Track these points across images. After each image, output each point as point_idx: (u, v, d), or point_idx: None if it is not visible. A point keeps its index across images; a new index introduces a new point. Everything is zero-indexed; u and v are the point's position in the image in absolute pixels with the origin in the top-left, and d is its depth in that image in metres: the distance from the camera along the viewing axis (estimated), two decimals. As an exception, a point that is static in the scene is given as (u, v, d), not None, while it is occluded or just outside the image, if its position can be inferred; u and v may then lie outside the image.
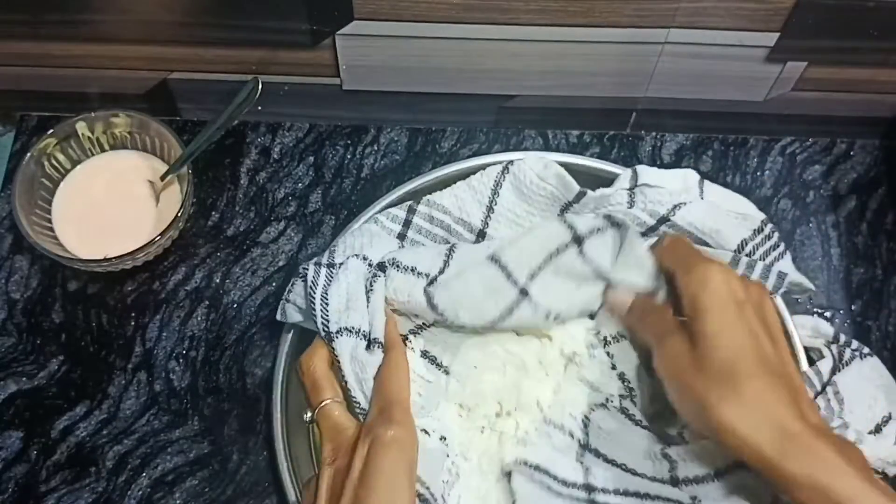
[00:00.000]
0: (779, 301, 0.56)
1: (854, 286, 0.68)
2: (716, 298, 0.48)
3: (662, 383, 0.51)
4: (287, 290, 0.57)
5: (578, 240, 0.53)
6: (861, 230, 0.70)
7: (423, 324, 0.57)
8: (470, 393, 0.56)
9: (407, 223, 0.62)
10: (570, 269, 0.53)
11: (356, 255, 0.57)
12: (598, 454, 0.54)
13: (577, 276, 0.54)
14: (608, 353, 0.56)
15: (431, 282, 0.54)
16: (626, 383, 0.56)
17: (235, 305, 0.66)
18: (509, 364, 0.56)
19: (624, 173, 0.61)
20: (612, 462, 0.53)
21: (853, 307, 0.68)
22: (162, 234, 0.62)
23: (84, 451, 0.62)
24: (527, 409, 0.56)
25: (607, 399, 0.56)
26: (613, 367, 0.56)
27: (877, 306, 0.68)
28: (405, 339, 0.57)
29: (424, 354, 0.57)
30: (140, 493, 0.61)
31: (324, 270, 0.56)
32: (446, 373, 0.56)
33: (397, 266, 0.55)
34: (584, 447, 0.55)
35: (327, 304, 0.53)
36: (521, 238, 0.55)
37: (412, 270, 0.55)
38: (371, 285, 0.54)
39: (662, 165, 0.70)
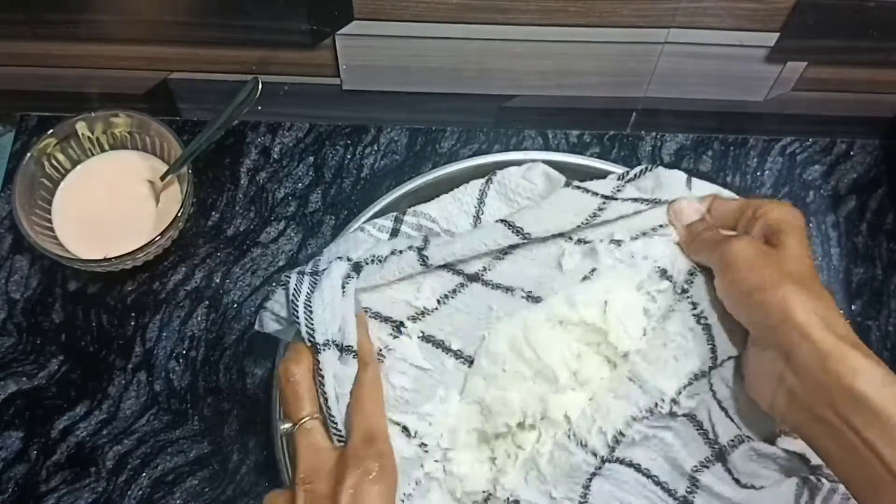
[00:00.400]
0: None
1: (854, 286, 0.68)
2: (796, 223, 0.49)
3: (727, 289, 0.50)
4: (265, 297, 0.55)
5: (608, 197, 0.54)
6: (861, 230, 0.70)
7: (426, 308, 0.54)
8: (493, 399, 0.53)
9: (394, 232, 0.59)
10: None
11: (339, 257, 0.54)
12: (621, 461, 0.52)
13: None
14: (687, 296, 0.53)
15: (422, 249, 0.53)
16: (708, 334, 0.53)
17: (235, 305, 0.66)
18: (540, 377, 0.53)
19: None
20: (636, 467, 0.52)
21: (853, 307, 0.68)
22: (162, 234, 0.62)
23: (84, 451, 0.62)
24: (552, 423, 0.53)
25: (656, 403, 0.52)
26: (695, 313, 0.53)
27: (877, 306, 0.68)
28: (399, 326, 0.54)
29: (427, 339, 0.53)
30: (140, 492, 0.61)
31: (307, 278, 0.53)
32: (460, 359, 0.53)
33: (376, 260, 0.53)
34: (605, 461, 0.52)
35: (311, 313, 0.51)
36: (535, 209, 0.54)
37: (393, 253, 0.53)
38: (344, 286, 0.52)
39: (663, 165, 0.69)
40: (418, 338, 0.54)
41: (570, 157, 0.65)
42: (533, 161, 0.60)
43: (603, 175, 0.62)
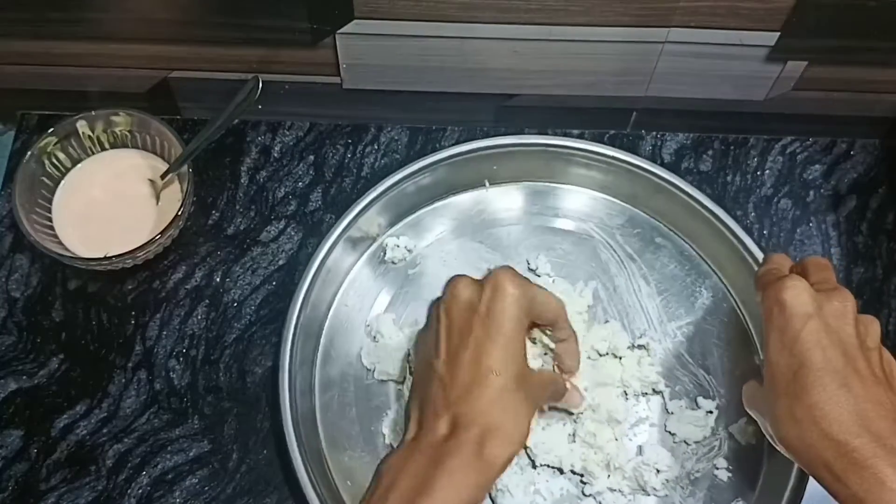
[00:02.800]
0: None
1: (854, 286, 0.68)
2: (781, 316, 0.48)
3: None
4: None
5: None
6: (861, 230, 0.70)
7: None
8: None
9: None
10: None
11: None
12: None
13: None
14: None
15: None
16: None
17: (236, 304, 0.66)
18: None
19: None
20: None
21: (853, 307, 0.68)
22: (162, 232, 0.62)
23: (84, 450, 0.62)
24: None
25: None
26: None
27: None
28: None
29: None
30: (140, 491, 0.61)
31: None
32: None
33: None
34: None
35: None
36: None
37: None
38: None
39: (663, 165, 0.70)
40: None
41: (568, 142, 0.67)
42: (531, 143, 0.67)
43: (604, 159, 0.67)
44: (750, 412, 0.55)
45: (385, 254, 0.67)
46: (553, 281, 0.65)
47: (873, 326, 0.50)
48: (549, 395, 0.56)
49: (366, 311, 0.66)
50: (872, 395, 0.45)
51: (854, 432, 0.44)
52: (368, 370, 0.63)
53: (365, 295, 0.66)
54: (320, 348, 0.64)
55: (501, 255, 0.67)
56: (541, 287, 0.53)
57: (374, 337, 0.64)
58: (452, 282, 0.52)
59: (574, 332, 0.58)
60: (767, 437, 0.51)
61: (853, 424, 0.44)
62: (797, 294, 0.48)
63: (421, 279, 0.67)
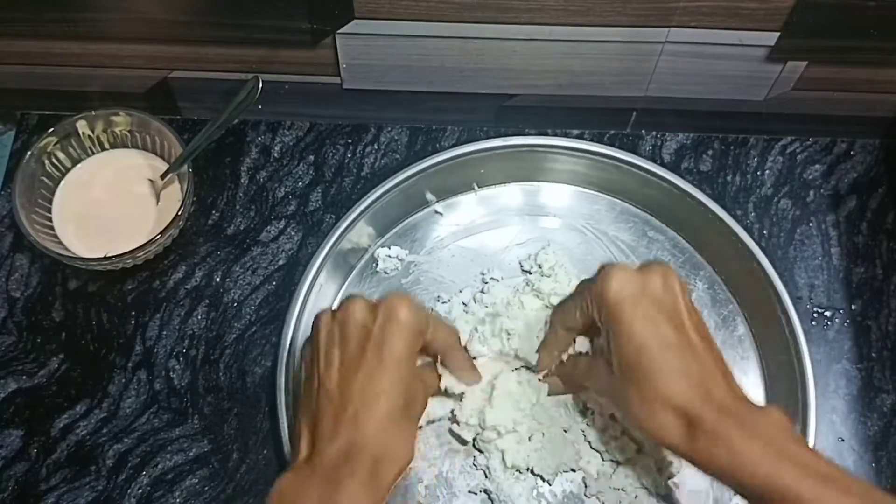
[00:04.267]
0: None
1: (854, 286, 0.68)
2: (610, 306, 0.50)
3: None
4: None
5: None
6: (861, 230, 0.70)
7: None
8: None
9: None
10: None
11: None
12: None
13: None
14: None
15: None
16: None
17: (235, 304, 0.66)
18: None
19: None
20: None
21: (853, 307, 0.68)
22: (162, 232, 0.62)
23: (84, 450, 0.62)
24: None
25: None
26: None
27: (877, 306, 0.68)
28: None
29: None
30: (140, 491, 0.61)
31: None
32: None
33: None
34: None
35: None
36: None
37: None
38: None
39: (663, 164, 0.70)
40: None
41: (552, 140, 0.68)
42: (516, 145, 0.67)
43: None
44: (601, 397, 0.58)
45: (377, 265, 0.67)
46: (547, 279, 0.65)
47: (685, 286, 0.52)
48: (429, 395, 0.58)
49: None
50: (706, 364, 0.48)
51: (698, 404, 0.46)
52: None
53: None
54: None
55: (494, 257, 0.68)
56: (436, 315, 0.55)
57: None
58: (348, 302, 0.52)
59: (466, 356, 0.59)
60: (621, 420, 0.56)
61: (696, 398, 0.46)
62: (621, 279, 0.50)
63: (415, 287, 0.67)
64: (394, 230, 0.69)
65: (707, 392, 0.47)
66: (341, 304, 0.52)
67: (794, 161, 0.73)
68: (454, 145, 0.72)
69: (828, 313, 0.67)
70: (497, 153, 0.68)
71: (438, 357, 0.57)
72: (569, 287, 0.65)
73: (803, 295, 0.68)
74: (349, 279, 0.67)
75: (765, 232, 0.70)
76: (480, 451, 0.61)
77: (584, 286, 0.53)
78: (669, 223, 0.69)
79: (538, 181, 0.70)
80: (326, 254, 0.64)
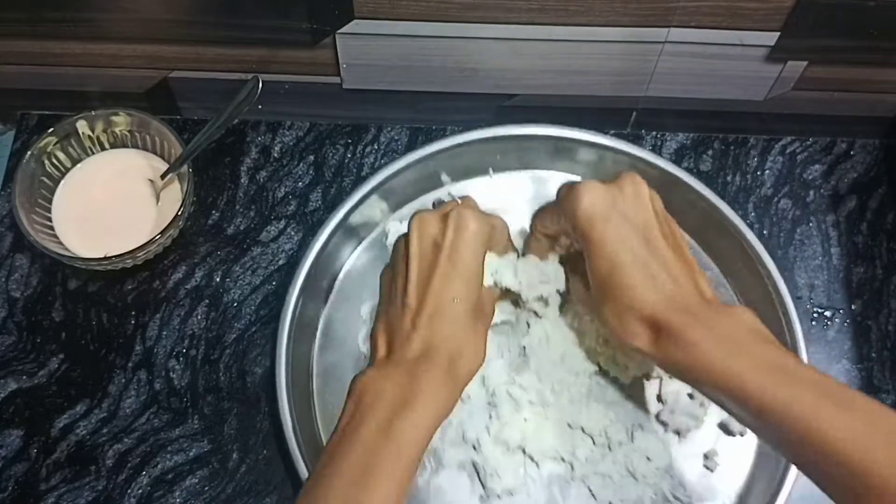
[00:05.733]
0: None
1: (854, 285, 0.68)
2: (581, 223, 0.52)
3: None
4: None
5: None
6: (861, 230, 0.70)
7: None
8: None
9: None
10: None
11: None
12: None
13: None
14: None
15: None
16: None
17: (235, 304, 0.66)
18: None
19: None
20: None
21: (853, 307, 0.68)
22: (162, 232, 0.62)
23: (84, 450, 0.62)
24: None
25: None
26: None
27: (877, 306, 0.68)
28: None
29: None
30: (140, 491, 0.61)
31: None
32: None
33: None
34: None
35: None
36: None
37: None
38: None
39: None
40: None
41: (588, 135, 0.67)
42: (534, 134, 0.67)
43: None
44: (586, 313, 0.61)
45: (387, 238, 0.68)
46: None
47: (656, 197, 0.54)
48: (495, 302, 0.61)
49: (366, 295, 0.66)
50: (674, 272, 0.50)
51: (663, 311, 0.49)
52: (366, 356, 0.64)
53: (365, 280, 0.67)
54: (318, 332, 0.65)
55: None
56: (495, 216, 0.58)
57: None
58: (417, 217, 0.55)
59: (514, 246, 0.62)
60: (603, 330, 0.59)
61: (661, 305, 0.49)
62: (591, 196, 0.52)
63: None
64: (407, 206, 0.69)
65: (672, 298, 0.49)
66: (409, 222, 0.56)
67: (794, 161, 0.73)
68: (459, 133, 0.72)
69: (828, 313, 0.67)
70: (514, 141, 0.68)
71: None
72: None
73: (803, 295, 0.68)
74: (357, 250, 0.68)
75: (765, 232, 0.70)
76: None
77: (561, 198, 0.55)
78: (679, 222, 0.69)
79: (552, 171, 0.71)
80: (340, 220, 0.65)
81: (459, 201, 0.61)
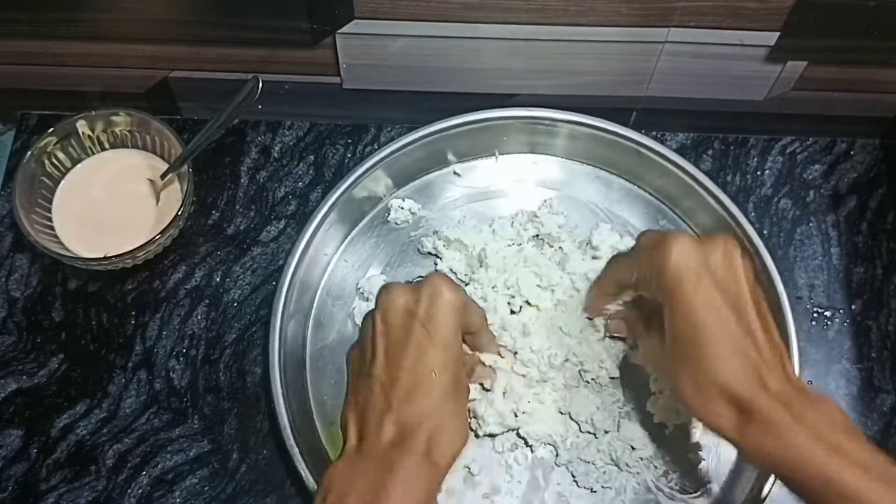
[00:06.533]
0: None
1: (854, 285, 0.68)
2: (669, 277, 0.48)
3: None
4: None
5: None
6: (861, 230, 0.70)
7: None
8: None
9: None
10: None
11: None
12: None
13: None
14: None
15: None
16: None
17: (235, 304, 0.66)
18: None
19: None
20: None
21: (853, 307, 0.68)
22: (162, 232, 0.62)
23: (84, 450, 0.62)
24: None
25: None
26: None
27: (877, 306, 0.68)
28: None
29: None
30: (140, 491, 0.61)
31: None
32: None
33: None
34: None
35: None
36: None
37: None
38: None
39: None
40: None
41: (597, 121, 0.67)
42: (542, 118, 0.67)
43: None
44: (650, 368, 0.58)
45: (389, 214, 0.68)
46: (557, 246, 0.66)
47: (748, 264, 0.50)
48: (470, 378, 0.59)
49: (362, 271, 0.67)
50: (764, 351, 0.47)
51: (751, 393, 0.45)
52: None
53: (363, 255, 0.67)
54: (314, 307, 0.66)
55: (505, 222, 0.67)
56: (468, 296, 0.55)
57: (367, 298, 0.65)
58: (386, 290, 0.51)
59: (493, 335, 0.60)
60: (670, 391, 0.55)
61: (750, 387, 0.45)
62: (683, 250, 0.48)
63: (421, 243, 0.67)
64: (410, 184, 0.69)
65: (762, 380, 0.45)
66: (378, 295, 0.52)
67: (794, 161, 0.73)
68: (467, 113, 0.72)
69: (828, 313, 0.67)
70: (522, 123, 0.68)
71: (466, 338, 0.58)
72: (576, 252, 0.66)
73: (803, 295, 0.68)
74: (359, 226, 0.68)
75: (765, 232, 0.70)
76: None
77: (644, 246, 0.51)
78: (684, 215, 0.69)
79: (558, 156, 0.71)
80: (341, 194, 0.65)
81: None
